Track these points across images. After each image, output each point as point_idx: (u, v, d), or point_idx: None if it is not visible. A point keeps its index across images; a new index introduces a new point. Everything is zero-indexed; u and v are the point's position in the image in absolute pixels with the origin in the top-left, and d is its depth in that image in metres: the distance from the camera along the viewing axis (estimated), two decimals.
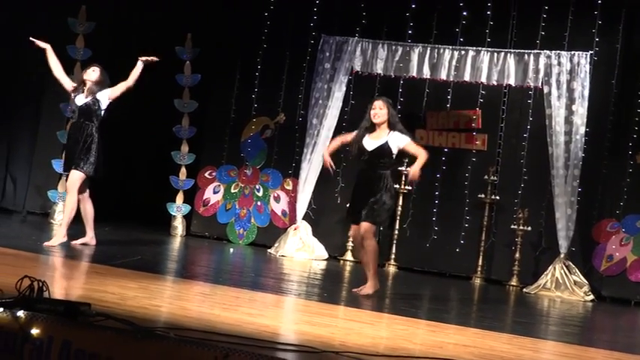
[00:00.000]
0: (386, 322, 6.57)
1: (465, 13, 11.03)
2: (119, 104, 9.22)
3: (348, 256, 11.08)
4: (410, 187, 10.98)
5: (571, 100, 10.35)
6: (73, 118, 8.84)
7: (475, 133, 10.97)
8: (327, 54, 11.18)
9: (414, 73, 10.89)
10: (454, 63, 10.76)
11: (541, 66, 10.48)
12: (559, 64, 10.42)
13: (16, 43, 11.08)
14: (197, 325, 4.84)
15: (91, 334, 4.24)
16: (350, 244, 11.01)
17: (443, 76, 10.80)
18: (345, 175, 10.86)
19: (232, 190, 11.87)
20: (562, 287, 10.08)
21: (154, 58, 8.78)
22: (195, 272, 8.58)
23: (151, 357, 4.11)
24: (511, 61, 10.61)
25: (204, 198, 11.94)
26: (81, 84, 8.83)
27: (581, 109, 10.30)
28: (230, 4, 12.02)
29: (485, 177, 10.77)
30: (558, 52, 10.46)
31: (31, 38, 8.89)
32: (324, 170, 11.06)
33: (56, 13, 11.58)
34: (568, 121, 10.32)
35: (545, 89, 10.45)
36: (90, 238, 8.87)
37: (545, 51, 10.52)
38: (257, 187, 11.78)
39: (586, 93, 10.31)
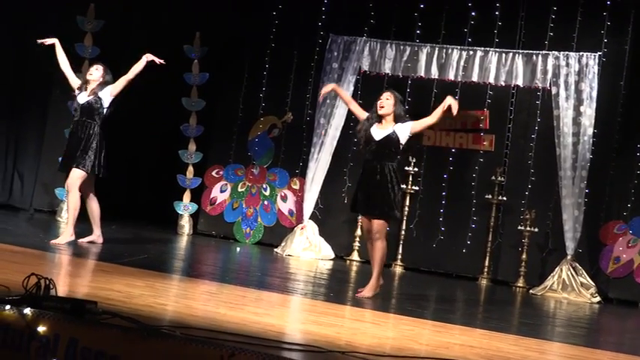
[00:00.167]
0: (392, 322, 6.56)
1: (473, 14, 11.01)
2: (127, 103, 9.24)
3: (355, 256, 11.08)
4: (417, 188, 10.98)
5: (579, 102, 10.33)
6: (75, 116, 8.86)
7: (483, 133, 10.95)
8: (335, 53, 11.18)
9: (422, 73, 10.89)
10: (462, 63, 10.75)
11: (549, 67, 10.46)
12: (567, 65, 10.40)
13: (24, 41, 11.10)
14: (203, 323, 4.84)
15: (98, 332, 4.25)
16: (357, 244, 11.02)
17: (451, 76, 10.79)
18: (352, 175, 10.85)
19: (239, 189, 11.87)
20: (569, 289, 10.06)
21: (161, 60, 8.80)
22: (202, 271, 8.59)
23: (157, 355, 4.12)
24: (519, 61, 10.60)
25: (212, 197, 11.94)
26: (84, 83, 8.85)
27: (589, 111, 10.28)
28: (239, 3, 12.03)
29: (493, 178, 10.75)
30: (567, 53, 10.44)
31: (38, 41, 8.94)
32: (331, 170, 11.10)
33: (65, 12, 11.59)
34: (576, 122, 10.30)
35: (554, 90, 10.43)
36: (97, 236, 8.89)
37: (553, 52, 10.50)
38: (264, 186, 11.78)
39: (594, 94, 10.29)
